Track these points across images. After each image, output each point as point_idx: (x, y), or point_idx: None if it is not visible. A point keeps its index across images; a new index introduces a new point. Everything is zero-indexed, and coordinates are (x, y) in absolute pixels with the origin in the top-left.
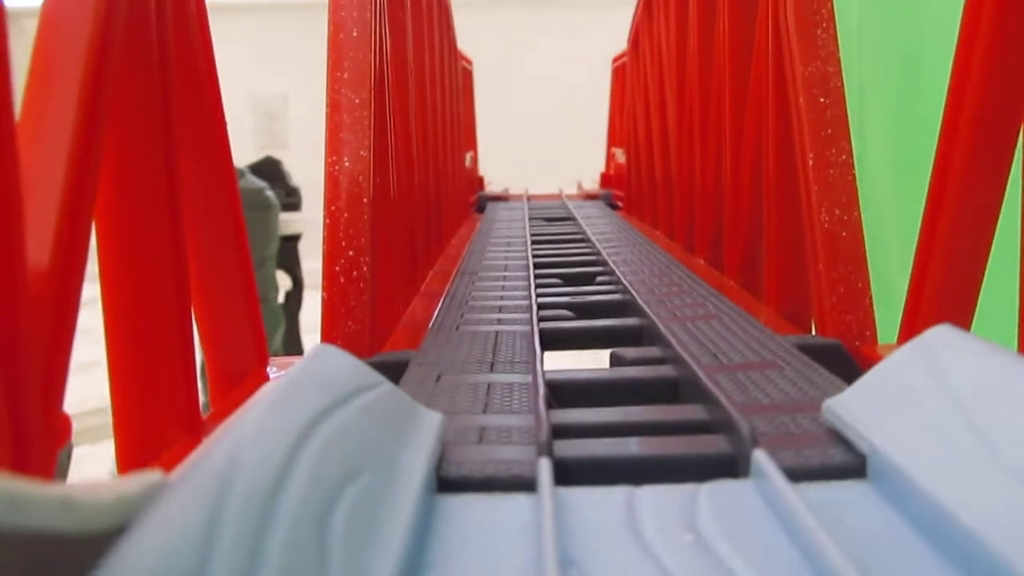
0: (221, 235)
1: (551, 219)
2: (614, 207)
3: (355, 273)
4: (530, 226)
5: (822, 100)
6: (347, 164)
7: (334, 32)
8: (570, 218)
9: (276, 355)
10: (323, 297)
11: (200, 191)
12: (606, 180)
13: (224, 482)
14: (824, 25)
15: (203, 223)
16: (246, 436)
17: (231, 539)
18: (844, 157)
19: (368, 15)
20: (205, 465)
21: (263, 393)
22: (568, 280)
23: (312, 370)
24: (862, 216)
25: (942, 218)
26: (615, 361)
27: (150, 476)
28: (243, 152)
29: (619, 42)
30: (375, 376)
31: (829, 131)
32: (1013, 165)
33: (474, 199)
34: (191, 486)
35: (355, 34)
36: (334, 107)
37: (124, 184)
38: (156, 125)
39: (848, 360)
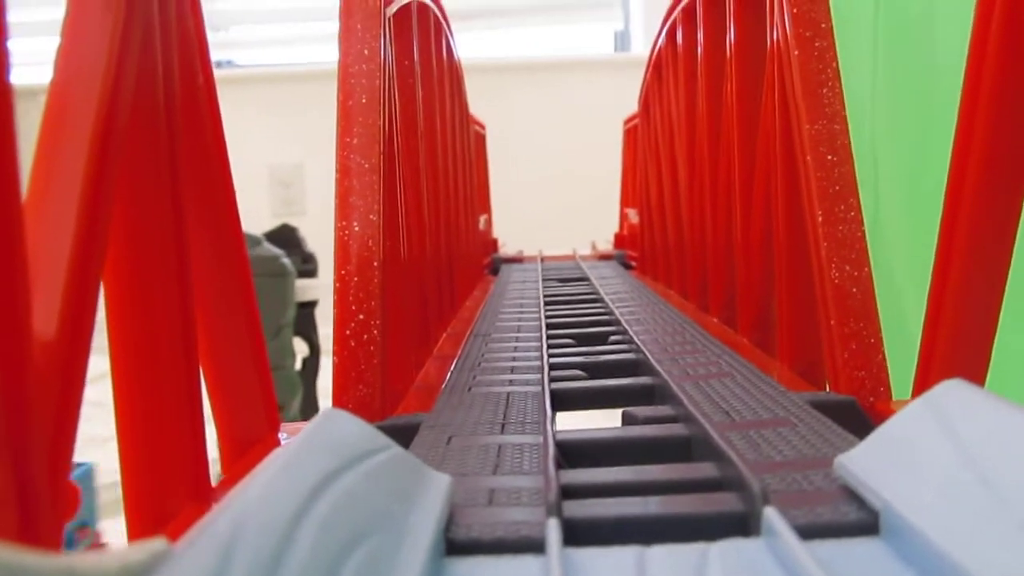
0: (230, 301)
1: (564, 280)
2: (628, 267)
3: (366, 337)
4: (543, 287)
5: (830, 158)
6: (357, 228)
7: (343, 99)
8: (583, 279)
9: (295, 421)
10: (334, 361)
11: (209, 258)
12: (619, 240)
13: (228, 549)
14: (830, 84)
15: (212, 289)
16: (251, 502)
17: None
18: (853, 213)
19: (377, 82)
20: (209, 532)
21: (270, 459)
22: (581, 340)
23: (319, 434)
24: (876, 273)
25: (952, 273)
26: (627, 420)
27: (155, 544)
28: (260, 220)
29: (631, 104)
30: (383, 439)
31: (837, 188)
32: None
33: (488, 261)
34: (195, 553)
35: (364, 100)
36: (344, 172)
37: (132, 253)
38: (164, 194)
39: (862, 416)
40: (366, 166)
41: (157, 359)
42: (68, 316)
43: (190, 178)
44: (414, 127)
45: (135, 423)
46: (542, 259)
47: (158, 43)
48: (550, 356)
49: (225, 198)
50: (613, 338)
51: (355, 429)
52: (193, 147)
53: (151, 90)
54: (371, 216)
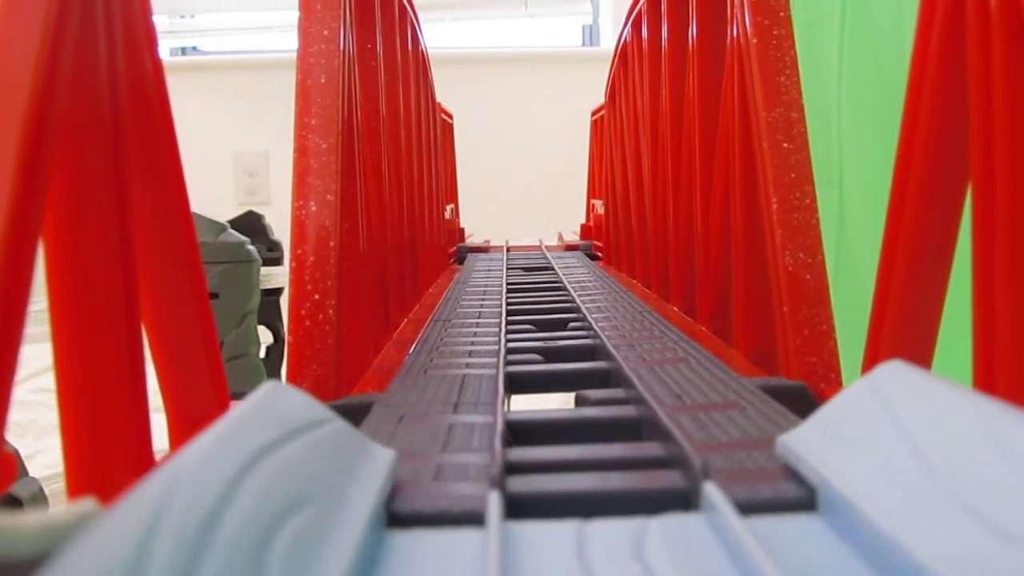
0: (177, 279)
1: (529, 268)
2: (593, 258)
3: (321, 316)
4: (507, 275)
5: (786, 146)
6: (313, 208)
7: (302, 79)
8: (548, 268)
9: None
10: (288, 340)
11: (153, 230)
12: (586, 231)
13: (158, 510)
14: (787, 72)
15: (158, 269)
16: (185, 466)
17: (162, 565)
18: (808, 201)
19: (336, 63)
20: (140, 494)
21: (210, 428)
22: (541, 327)
23: (261, 406)
24: (842, 271)
25: (898, 261)
26: (580, 402)
27: (82, 505)
28: (224, 208)
29: (599, 98)
30: (326, 413)
31: (793, 175)
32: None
33: (454, 250)
34: (124, 513)
35: (323, 80)
36: (301, 152)
37: (71, 226)
38: (106, 173)
39: (813, 402)
40: (324, 146)
41: (98, 334)
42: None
43: (137, 160)
44: (376, 111)
45: (76, 398)
46: (508, 249)
47: (101, 25)
48: (508, 341)
49: (173, 179)
50: (573, 324)
51: (298, 401)
52: (139, 125)
53: (92, 69)
54: (328, 196)
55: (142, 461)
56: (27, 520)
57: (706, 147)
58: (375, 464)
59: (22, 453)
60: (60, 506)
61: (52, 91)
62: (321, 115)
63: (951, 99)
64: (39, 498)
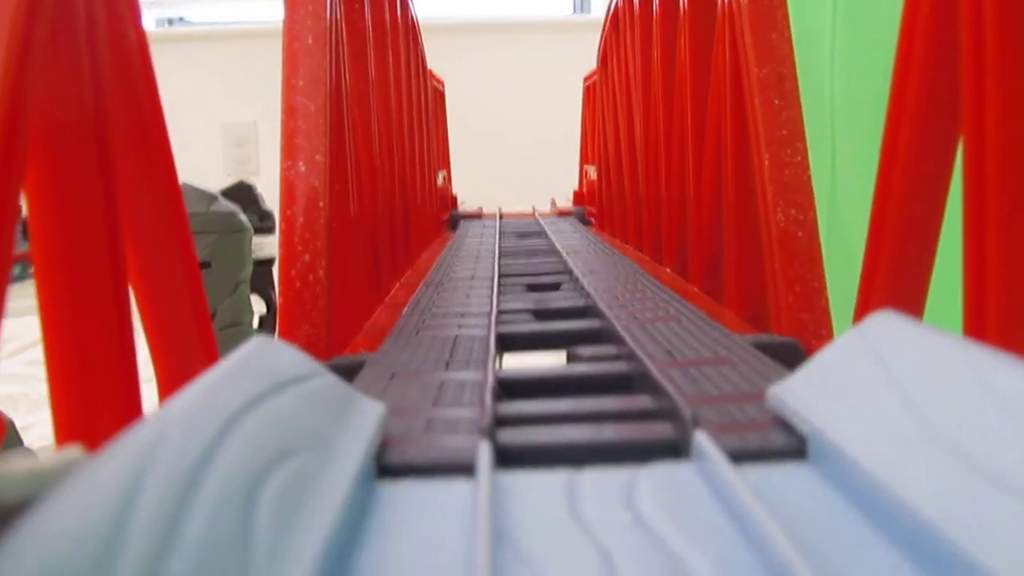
0: (166, 244)
1: (522, 234)
2: (587, 223)
3: (311, 277)
4: (500, 241)
5: (777, 102)
6: (302, 169)
7: (289, 40)
8: (541, 233)
9: None
10: (280, 302)
11: (141, 202)
12: (578, 197)
13: (146, 457)
14: (779, 29)
15: (144, 226)
16: (173, 416)
17: (149, 511)
18: (799, 158)
19: (324, 23)
20: (127, 442)
21: (198, 379)
22: (533, 288)
23: (250, 359)
24: (834, 236)
25: (890, 211)
26: (572, 359)
27: (68, 452)
28: (214, 180)
29: (590, 63)
30: (315, 366)
31: (784, 132)
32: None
33: (447, 217)
34: (111, 460)
35: (310, 41)
36: (289, 113)
37: (55, 199)
38: (89, 143)
39: (804, 357)
40: (312, 108)
41: (84, 296)
42: None
43: (123, 133)
44: (364, 74)
45: (64, 355)
46: (501, 216)
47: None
48: (501, 303)
49: (159, 150)
50: (565, 286)
51: (287, 355)
52: (123, 97)
53: (72, 40)
54: (317, 157)
55: (130, 413)
56: (13, 465)
57: (698, 108)
58: (365, 416)
59: (16, 425)
60: (47, 453)
61: (27, 62)
62: (309, 76)
63: (943, 46)
64: None
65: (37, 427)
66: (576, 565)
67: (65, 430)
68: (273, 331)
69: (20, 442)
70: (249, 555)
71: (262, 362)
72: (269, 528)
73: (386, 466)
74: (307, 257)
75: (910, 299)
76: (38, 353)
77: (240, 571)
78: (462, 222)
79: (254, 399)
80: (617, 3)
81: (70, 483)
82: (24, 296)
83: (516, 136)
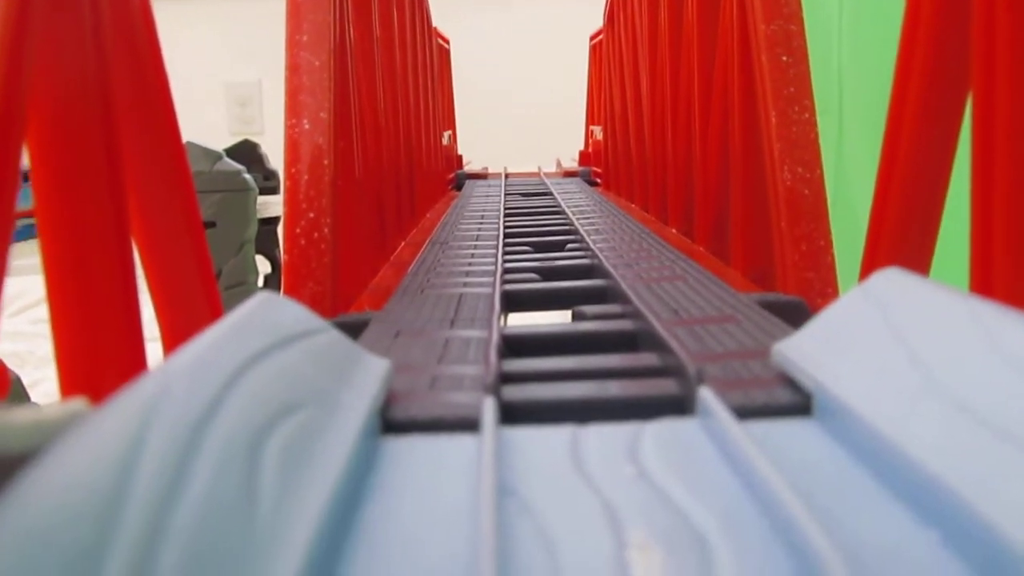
0: (169, 203)
1: (527, 194)
2: (593, 183)
3: (316, 235)
4: (506, 200)
5: (785, 59)
6: (307, 126)
7: None
8: (546, 193)
9: None
10: (284, 259)
11: (144, 160)
12: (584, 158)
13: (152, 408)
14: None
15: (150, 192)
16: (178, 370)
17: (154, 464)
18: (807, 115)
19: None
20: (132, 395)
21: (202, 334)
22: (539, 248)
23: (254, 315)
24: (840, 197)
25: (896, 168)
26: (577, 317)
27: (72, 404)
28: (218, 139)
29: (597, 21)
30: (320, 322)
31: (792, 89)
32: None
33: (452, 177)
34: (115, 412)
35: None
36: (293, 70)
37: (58, 157)
38: (92, 101)
39: (809, 316)
40: (316, 64)
41: (89, 247)
42: None
43: (125, 91)
44: (369, 31)
45: (68, 312)
46: (506, 175)
47: None
48: (506, 262)
49: (162, 109)
50: (570, 246)
51: (292, 311)
52: (125, 55)
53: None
54: (321, 114)
55: (135, 372)
56: (17, 416)
57: (705, 65)
58: (369, 372)
59: (23, 382)
60: (51, 404)
61: (28, 20)
62: (313, 32)
63: (953, 1)
64: None
65: (44, 383)
66: (580, 518)
67: (70, 387)
68: (278, 291)
69: (27, 398)
70: (254, 508)
71: (267, 318)
72: (274, 481)
73: (391, 422)
74: (312, 215)
75: (916, 256)
76: (43, 312)
77: (245, 523)
78: (467, 182)
79: (259, 354)
80: None
81: (75, 435)
82: (29, 255)
83: (521, 96)
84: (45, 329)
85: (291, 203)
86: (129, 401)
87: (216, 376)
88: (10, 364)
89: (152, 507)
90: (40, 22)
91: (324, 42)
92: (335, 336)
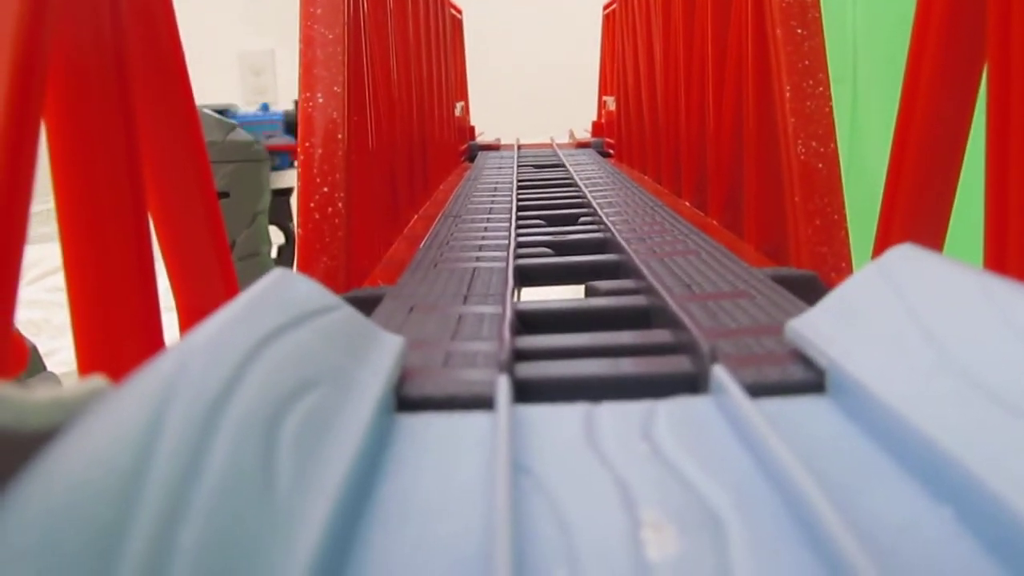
0: (184, 172)
1: (540, 166)
2: (605, 155)
3: (330, 209)
4: (518, 172)
5: (800, 31)
6: (320, 100)
7: None
8: (559, 165)
9: None
10: (298, 233)
11: (158, 128)
12: (597, 129)
13: (170, 386)
14: None
15: (164, 161)
16: (196, 348)
17: (173, 440)
18: (821, 89)
19: None
20: (151, 373)
21: (218, 312)
22: (551, 221)
23: (269, 292)
24: (855, 169)
25: (910, 144)
26: (590, 292)
27: (92, 381)
28: None
29: None
30: (335, 299)
31: (806, 62)
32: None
33: (465, 148)
34: (134, 391)
35: None
36: (307, 43)
37: (74, 125)
38: (108, 66)
39: (823, 291)
40: (330, 36)
41: (104, 225)
42: (3, 170)
43: (139, 59)
44: (383, 2)
45: (85, 283)
46: (519, 147)
47: None
48: (519, 235)
49: (176, 78)
50: (583, 219)
51: (306, 288)
52: (140, 23)
53: None
54: (335, 88)
55: (152, 349)
56: (37, 394)
57: (718, 37)
58: (384, 349)
59: (39, 351)
60: (71, 382)
61: None
62: (327, 4)
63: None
64: None
65: (60, 352)
66: (594, 495)
67: (87, 358)
68: (292, 262)
69: (43, 367)
70: (272, 485)
71: (282, 296)
72: (291, 459)
73: (405, 399)
74: (326, 189)
75: (930, 232)
76: (59, 280)
77: (263, 500)
78: (480, 153)
79: (274, 332)
80: None
81: (94, 413)
82: (45, 223)
83: (534, 66)
84: (61, 297)
85: (305, 178)
86: (147, 380)
87: (233, 355)
88: (26, 332)
89: (172, 485)
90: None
91: (338, 14)
92: (349, 313)
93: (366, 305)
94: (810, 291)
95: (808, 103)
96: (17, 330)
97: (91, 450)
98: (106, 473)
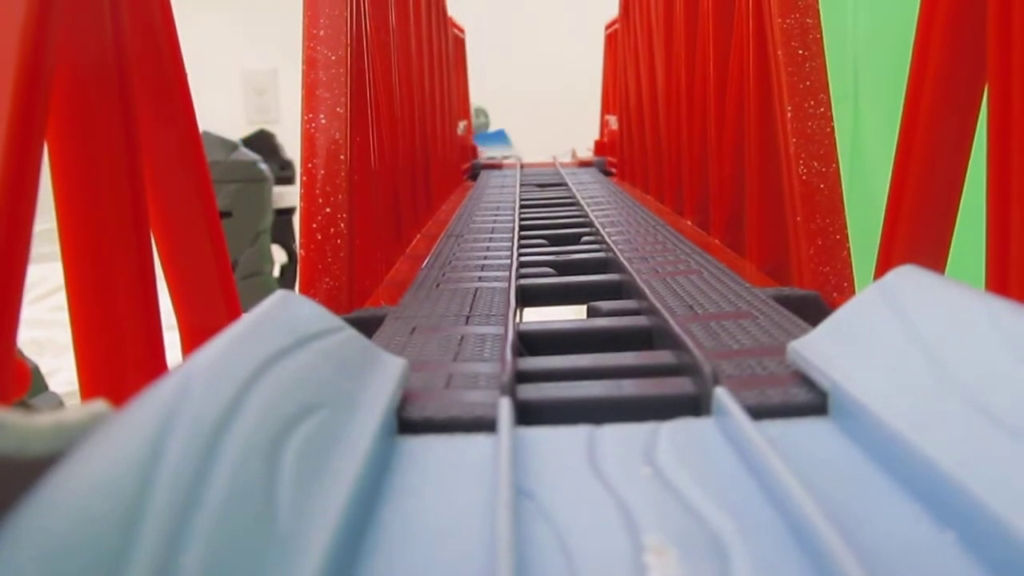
0: (186, 192)
1: (542, 185)
2: (608, 174)
3: (332, 230)
4: (521, 191)
5: (801, 52)
6: (323, 121)
7: None
8: (561, 184)
9: None
10: (300, 254)
11: (160, 149)
12: (600, 147)
13: (171, 411)
14: None
15: (166, 182)
16: (198, 370)
17: (175, 465)
18: (823, 109)
19: None
20: (152, 396)
21: (221, 334)
22: (554, 241)
23: (272, 314)
24: (856, 185)
25: (912, 165)
26: (592, 313)
27: (94, 405)
28: (234, 128)
29: (612, 9)
30: (337, 321)
31: (808, 83)
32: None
33: (467, 167)
34: (135, 416)
35: None
36: (310, 64)
37: (76, 145)
38: (110, 83)
39: (825, 311)
40: (333, 58)
41: (106, 246)
42: (7, 190)
43: (142, 79)
44: (385, 23)
45: (87, 304)
46: (521, 166)
47: None
48: (521, 255)
49: (179, 97)
50: (585, 239)
51: (309, 310)
52: (142, 43)
53: None
54: (338, 109)
55: (154, 369)
56: (39, 419)
57: (720, 57)
58: (386, 371)
59: (41, 370)
60: (73, 406)
61: (48, 6)
62: (330, 26)
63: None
64: None
65: (63, 372)
66: (596, 519)
67: (89, 378)
68: (295, 281)
69: (45, 387)
70: (273, 509)
71: (284, 318)
72: (292, 483)
73: (407, 421)
74: (328, 210)
75: (932, 252)
76: (62, 299)
77: (265, 524)
78: (483, 172)
79: (276, 355)
80: None
81: (96, 437)
82: (47, 242)
83: (537, 85)
84: (63, 317)
85: (308, 199)
86: (149, 404)
87: (234, 378)
88: (29, 352)
89: (173, 511)
90: (60, 9)
91: (340, 36)
92: (351, 335)
93: (368, 325)
94: (812, 311)
95: (810, 123)
96: (19, 351)
97: (93, 476)
98: (108, 499)
